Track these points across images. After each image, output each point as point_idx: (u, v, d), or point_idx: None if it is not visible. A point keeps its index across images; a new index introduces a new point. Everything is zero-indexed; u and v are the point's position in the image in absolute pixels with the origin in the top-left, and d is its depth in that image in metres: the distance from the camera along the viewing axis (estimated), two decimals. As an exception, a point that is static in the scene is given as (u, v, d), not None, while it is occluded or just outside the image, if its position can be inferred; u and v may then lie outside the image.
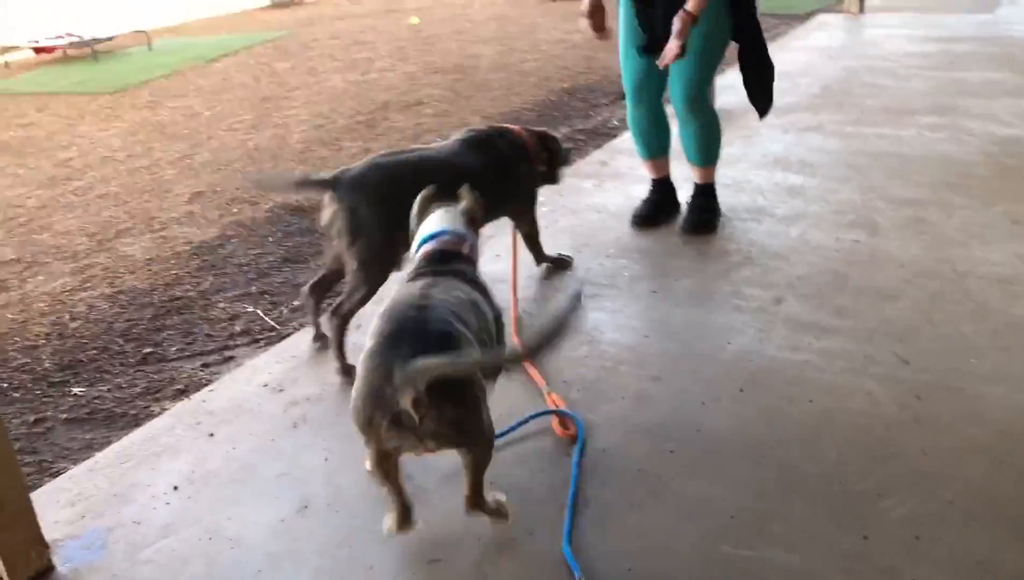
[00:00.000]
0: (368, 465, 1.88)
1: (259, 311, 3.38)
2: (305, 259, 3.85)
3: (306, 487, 2.20)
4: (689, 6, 3.09)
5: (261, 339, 3.16)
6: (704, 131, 3.53)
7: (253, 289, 3.59)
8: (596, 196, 4.12)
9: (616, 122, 5.53)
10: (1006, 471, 2.05)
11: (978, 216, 3.54)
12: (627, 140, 4.92)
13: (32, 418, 2.77)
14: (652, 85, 3.52)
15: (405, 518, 1.94)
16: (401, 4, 12.96)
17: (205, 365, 3.02)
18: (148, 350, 3.16)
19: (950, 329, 2.71)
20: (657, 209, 3.77)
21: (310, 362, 2.84)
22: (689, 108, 3.44)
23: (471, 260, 2.16)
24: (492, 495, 1.96)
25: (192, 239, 4.16)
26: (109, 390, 2.92)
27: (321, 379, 2.72)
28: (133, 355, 3.13)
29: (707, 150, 3.59)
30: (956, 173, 4.04)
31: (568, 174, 4.50)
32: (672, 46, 3.11)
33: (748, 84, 3.47)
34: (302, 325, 3.16)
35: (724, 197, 3.77)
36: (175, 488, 2.25)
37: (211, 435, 2.49)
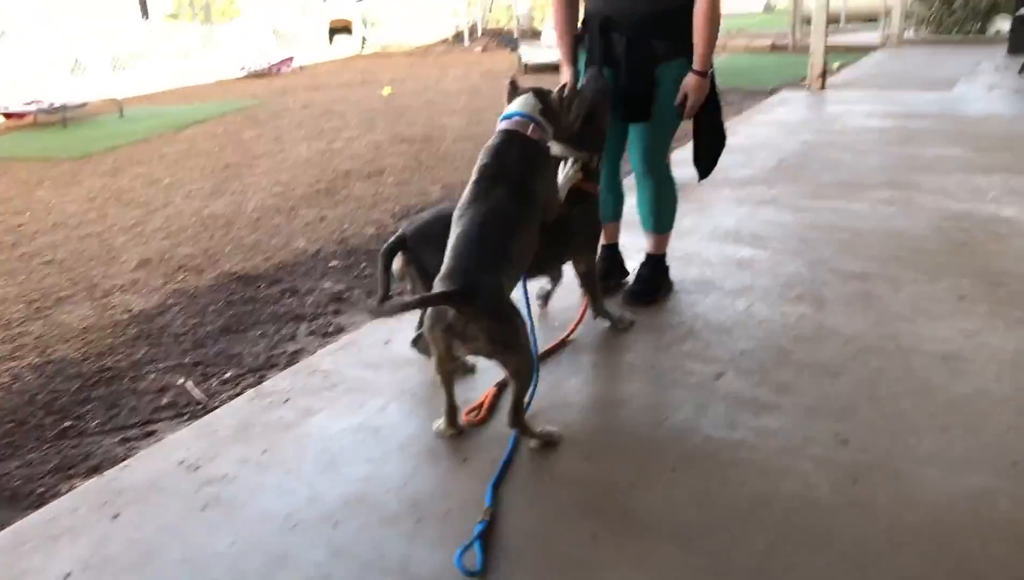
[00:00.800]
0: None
1: (188, 383, 3.26)
2: (245, 328, 3.75)
3: (207, 574, 2.07)
4: (697, 65, 3.13)
5: (186, 413, 3.04)
6: (659, 197, 3.49)
7: (187, 360, 3.47)
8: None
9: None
10: (941, 562, 1.95)
11: (925, 290, 3.50)
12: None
13: (-71, 496, 2.62)
14: (610, 148, 3.44)
15: (452, 420, 2.56)
16: (376, 76, 13.12)
17: (125, 439, 2.89)
18: (68, 424, 3.02)
19: (891, 407, 2.63)
20: (603, 275, 3.69)
21: (233, 438, 2.71)
22: (647, 173, 3.41)
23: (534, 141, 2.61)
24: (544, 427, 2.52)
25: (132, 307, 4.05)
26: (19, 466, 2.77)
27: (240, 457, 2.59)
28: (51, 429, 3.00)
29: (661, 216, 3.54)
30: (906, 247, 4.02)
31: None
32: (691, 104, 3.19)
33: (696, 148, 3.45)
34: (231, 398, 3.05)
35: (673, 269, 3.72)
36: (68, 575, 2.10)
37: (116, 516, 2.35)
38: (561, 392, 2.86)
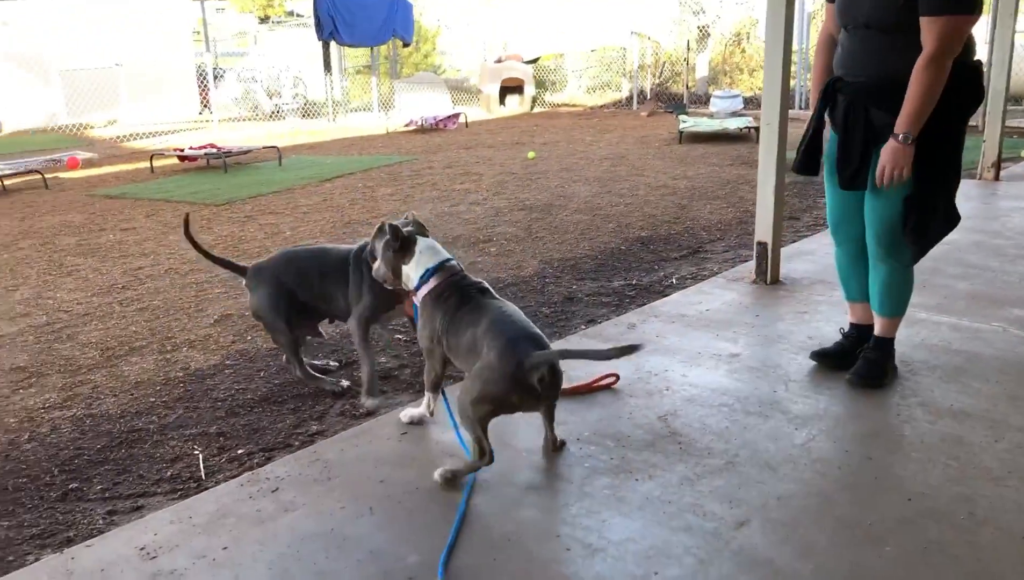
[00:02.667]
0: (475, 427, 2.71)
1: (200, 456, 3.20)
2: (283, 400, 3.68)
3: None
4: (898, 126, 2.97)
5: (180, 490, 2.97)
6: (889, 280, 3.30)
7: (213, 429, 3.43)
8: (602, 365, 3.74)
9: (675, 280, 5.15)
10: None
11: (1031, 446, 2.90)
12: (673, 302, 4.55)
13: (-82, 549, 2.67)
14: (852, 223, 3.33)
15: (490, 458, 2.75)
16: (533, 137, 13.17)
17: (111, 512, 2.85)
18: (73, 486, 3.03)
19: (928, 602, 2.14)
20: (843, 353, 3.54)
21: (203, 527, 2.61)
22: (879, 251, 3.25)
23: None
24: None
25: (190, 365, 4.10)
26: (9, 527, 2.79)
27: (199, 551, 2.48)
28: (57, 489, 3.01)
29: (888, 300, 3.35)
30: (1028, 385, 3.39)
31: (586, 334, 4.20)
32: (887, 172, 3.02)
33: (904, 223, 3.15)
34: (228, 478, 2.96)
35: (738, 383, 3.32)
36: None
37: (52, 602, 2.29)
38: (555, 520, 2.56)
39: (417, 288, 3.04)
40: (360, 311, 3.52)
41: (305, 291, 3.63)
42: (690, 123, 11.94)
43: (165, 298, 5.18)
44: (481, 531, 2.55)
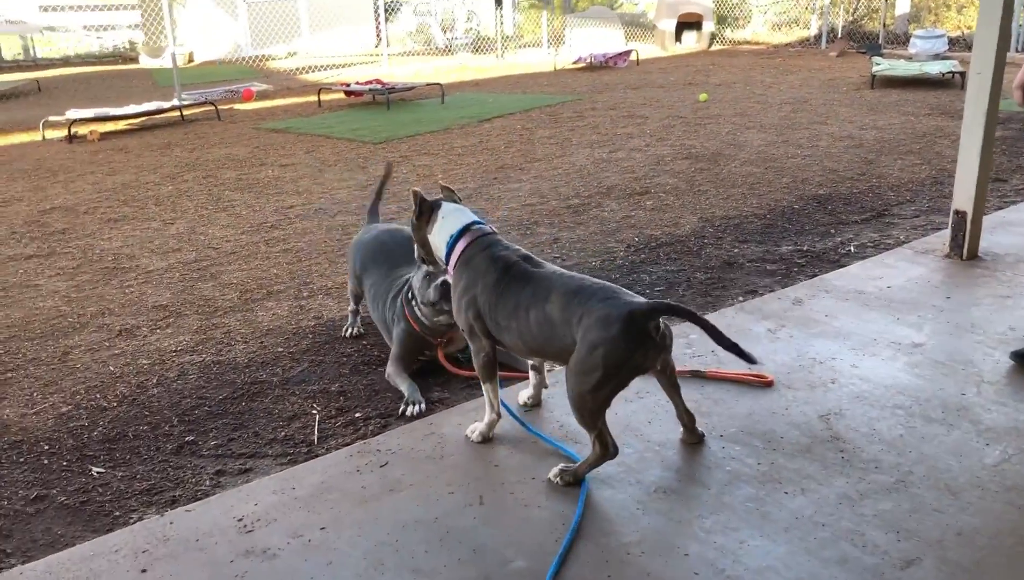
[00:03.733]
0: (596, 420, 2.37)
1: (317, 417, 3.06)
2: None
3: None
4: None
5: (290, 454, 2.83)
6: None
7: (334, 387, 3.28)
8: (758, 346, 3.31)
9: (852, 248, 4.55)
10: None
11: None
12: (848, 275, 4.01)
13: (34, 494, 2.67)
14: None
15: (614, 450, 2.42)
16: (709, 77, 12.37)
17: (220, 472, 2.75)
18: (189, 439, 2.96)
19: None
20: None
21: (304, 502, 2.46)
22: None
23: None
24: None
25: (322, 314, 3.98)
26: (123, 477, 2.75)
27: (296, 528, 2.33)
28: (174, 441, 2.95)
29: None
30: None
31: (743, 308, 3.75)
32: None
33: None
34: (338, 446, 2.80)
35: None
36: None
37: (143, 571, 2.19)
38: (677, 533, 2.21)
39: (447, 261, 2.69)
40: (391, 356, 3.33)
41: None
42: (884, 66, 10.78)
43: (311, 240, 5.11)
44: (598, 537, 2.24)
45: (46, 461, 2.86)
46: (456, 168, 6.93)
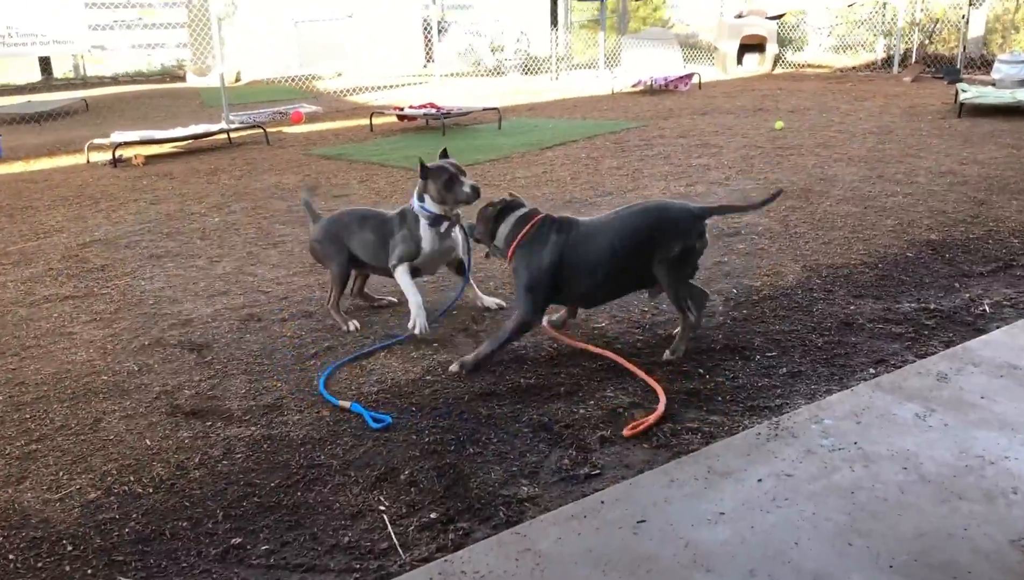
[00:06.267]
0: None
1: (385, 517, 2.56)
2: (489, 439, 2.97)
3: None
4: None
5: (356, 569, 2.33)
6: None
7: (404, 474, 2.77)
8: (909, 437, 2.75)
9: (987, 307, 3.96)
10: None
11: None
12: (996, 344, 3.44)
13: (48, 615, 2.20)
14: None
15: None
16: (777, 102, 11.78)
17: (265, 596, 2.26)
18: (237, 540, 2.49)
19: None
20: None
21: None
22: None
23: None
24: None
25: (386, 377, 3.49)
26: (151, 595, 2.27)
27: None
28: (219, 543, 2.47)
29: None
30: None
31: (879, 385, 3.19)
32: None
33: None
34: (411, 566, 2.29)
35: None
36: None
37: None
38: None
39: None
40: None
41: None
42: (972, 93, 10.09)
43: (370, 284, 4.64)
44: None
45: (68, 568, 2.40)
46: (521, 201, 6.43)
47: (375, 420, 3.10)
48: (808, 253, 4.87)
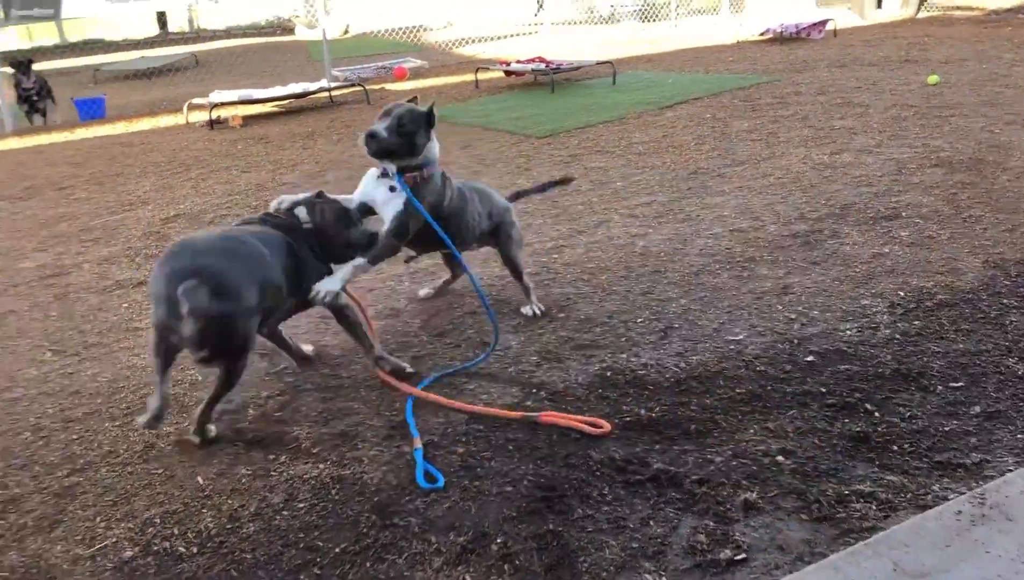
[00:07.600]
0: None
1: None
2: (600, 500, 2.39)
3: None
4: None
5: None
6: None
7: (496, 543, 2.24)
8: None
9: None
10: None
11: None
12: None
13: None
14: None
15: None
16: (926, 52, 10.52)
17: None
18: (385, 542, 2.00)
19: None
20: None
21: None
22: None
23: None
24: None
25: (480, 400, 2.95)
26: None
27: None
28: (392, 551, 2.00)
29: None
30: None
31: None
32: None
33: None
34: None
35: None
36: None
37: None
38: None
39: None
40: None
41: None
42: None
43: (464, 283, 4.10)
44: None
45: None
46: (638, 173, 5.73)
47: (426, 478, 2.55)
48: (988, 243, 4.03)
